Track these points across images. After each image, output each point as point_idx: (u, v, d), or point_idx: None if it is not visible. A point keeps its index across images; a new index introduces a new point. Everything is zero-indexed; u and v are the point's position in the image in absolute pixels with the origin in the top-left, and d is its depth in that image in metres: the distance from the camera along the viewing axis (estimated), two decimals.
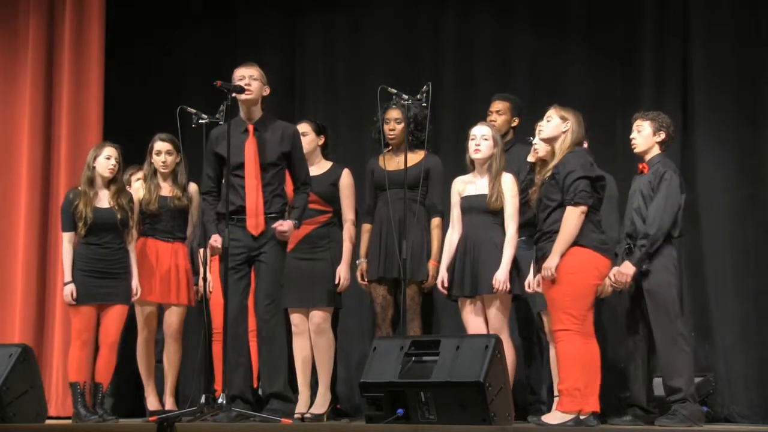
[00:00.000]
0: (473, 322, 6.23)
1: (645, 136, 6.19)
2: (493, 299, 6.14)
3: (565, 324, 5.44)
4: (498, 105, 6.81)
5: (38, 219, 7.83)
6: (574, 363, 5.41)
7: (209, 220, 6.00)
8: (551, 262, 5.46)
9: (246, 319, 5.99)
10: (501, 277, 6.08)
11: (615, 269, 6.02)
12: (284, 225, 5.90)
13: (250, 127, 6.00)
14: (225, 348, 5.87)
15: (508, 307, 6.22)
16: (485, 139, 6.23)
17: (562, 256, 5.44)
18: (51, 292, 7.77)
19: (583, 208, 5.45)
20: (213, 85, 5.92)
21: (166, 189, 6.88)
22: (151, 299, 6.80)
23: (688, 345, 6.07)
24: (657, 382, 6.24)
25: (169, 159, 6.86)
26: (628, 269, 5.98)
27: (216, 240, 5.92)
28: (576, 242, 5.46)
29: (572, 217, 5.45)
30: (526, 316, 6.68)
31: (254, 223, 5.90)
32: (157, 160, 6.87)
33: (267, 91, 6.08)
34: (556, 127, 5.64)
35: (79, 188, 6.55)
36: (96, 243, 6.50)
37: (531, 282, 6.10)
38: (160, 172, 6.89)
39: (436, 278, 6.46)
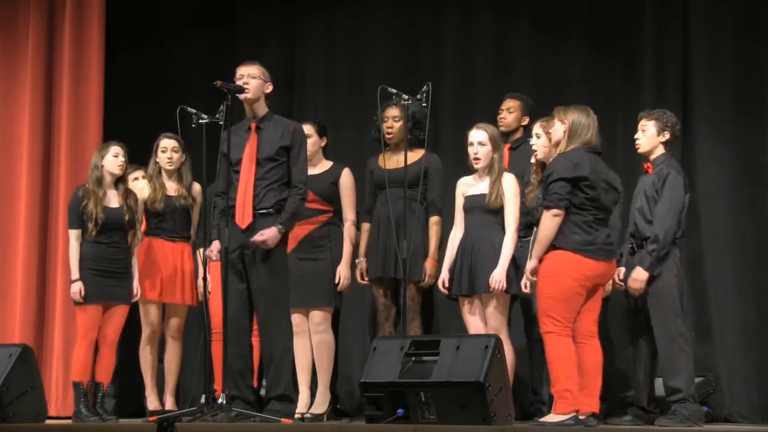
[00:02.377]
0: (472, 321, 6.23)
1: (649, 136, 6.17)
2: (491, 299, 6.14)
3: (547, 326, 5.43)
4: (509, 103, 6.84)
5: (38, 219, 7.83)
6: (561, 365, 5.40)
7: (214, 225, 6.02)
8: (528, 266, 5.54)
9: (246, 319, 5.98)
10: (497, 276, 6.07)
11: (620, 272, 6.02)
12: (264, 234, 5.84)
13: (253, 125, 6.01)
14: (225, 348, 5.87)
15: (506, 306, 6.21)
16: (482, 145, 6.21)
17: (541, 259, 5.46)
18: (51, 292, 7.77)
19: (555, 211, 5.43)
20: (213, 85, 5.93)
21: (172, 188, 6.89)
22: (155, 298, 6.81)
23: (688, 345, 6.07)
24: (657, 382, 6.24)
25: (175, 156, 6.87)
26: (641, 275, 5.96)
27: (211, 250, 5.94)
28: (554, 245, 5.45)
29: (545, 221, 5.45)
30: (527, 316, 6.68)
31: (241, 216, 5.90)
32: (163, 158, 6.88)
33: (269, 89, 6.09)
34: (557, 131, 5.64)
35: (87, 186, 6.55)
36: (104, 242, 6.51)
37: (528, 282, 6.11)
38: (165, 171, 6.90)
39: (433, 277, 6.47)
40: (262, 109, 6.07)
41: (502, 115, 6.78)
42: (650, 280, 6.00)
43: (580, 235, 5.46)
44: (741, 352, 7.00)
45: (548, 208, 5.45)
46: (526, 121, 6.83)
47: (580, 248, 5.45)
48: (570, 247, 5.44)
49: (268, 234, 5.85)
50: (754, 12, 7.17)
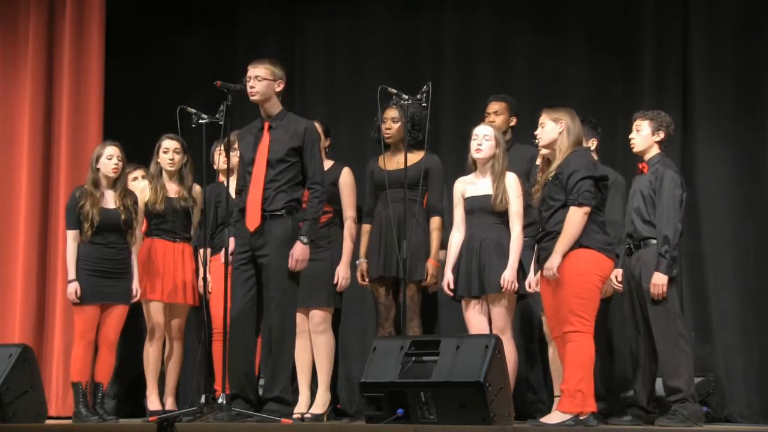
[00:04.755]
0: (477, 322, 6.21)
1: (644, 135, 6.20)
2: (499, 299, 6.13)
3: (576, 326, 5.42)
4: (495, 106, 6.81)
5: (38, 219, 7.83)
6: (581, 365, 5.40)
7: (231, 222, 6.03)
8: (553, 262, 5.44)
9: (250, 320, 5.97)
10: (509, 277, 6.07)
11: (618, 273, 6.04)
12: (295, 255, 5.82)
13: (266, 125, 6.01)
14: (225, 348, 5.86)
15: (512, 307, 6.21)
16: (487, 139, 6.23)
17: (564, 256, 5.44)
18: (51, 292, 7.77)
19: (587, 209, 5.44)
20: (213, 85, 5.92)
21: (172, 190, 6.89)
22: (158, 299, 6.81)
23: (688, 345, 6.07)
24: (657, 382, 6.24)
25: (177, 158, 6.88)
26: (660, 280, 5.95)
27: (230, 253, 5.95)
28: (580, 243, 5.44)
29: (576, 218, 5.44)
30: (529, 316, 6.68)
31: (250, 218, 5.89)
32: (164, 158, 6.88)
33: (281, 86, 6.06)
34: (550, 130, 5.65)
35: (85, 187, 6.55)
36: (101, 243, 6.51)
37: (532, 282, 6.10)
38: (166, 172, 6.90)
39: (435, 277, 6.47)
40: (275, 107, 6.05)
41: (490, 119, 6.72)
42: (646, 279, 6.01)
43: (601, 234, 5.51)
44: (741, 352, 7.00)
45: (580, 205, 5.44)
46: (513, 121, 6.81)
47: (603, 248, 5.49)
48: (595, 246, 5.46)
49: (297, 254, 5.83)
50: (754, 12, 7.17)
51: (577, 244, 5.44)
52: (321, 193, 5.97)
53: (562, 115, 5.63)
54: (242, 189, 6.00)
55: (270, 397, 5.88)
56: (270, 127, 5.99)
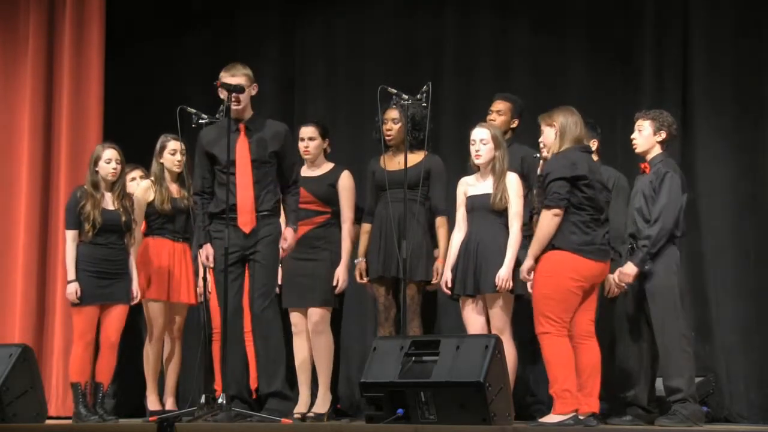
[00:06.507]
0: (475, 321, 6.22)
1: (645, 136, 6.19)
2: (496, 298, 6.14)
3: (544, 327, 5.45)
4: (499, 105, 6.78)
5: (38, 219, 7.83)
6: (559, 365, 5.42)
7: (200, 225, 6.02)
8: (524, 265, 5.56)
9: (241, 320, 5.98)
10: (504, 275, 6.07)
11: (618, 270, 6.04)
12: (288, 239, 6.01)
13: (242, 126, 6.00)
14: (224, 348, 5.87)
15: (510, 306, 6.21)
16: (484, 143, 6.22)
17: (538, 258, 5.47)
18: (51, 292, 7.77)
19: (556, 211, 5.45)
20: (213, 85, 5.93)
21: (174, 190, 6.89)
22: (163, 298, 6.80)
23: (689, 345, 6.07)
24: (657, 382, 6.24)
25: (183, 159, 6.88)
26: (630, 270, 5.98)
27: (206, 258, 5.93)
28: (552, 245, 5.46)
29: (544, 220, 5.47)
30: (529, 316, 6.67)
31: (245, 220, 5.90)
32: (172, 160, 6.86)
33: (255, 90, 6.07)
34: (548, 135, 5.67)
35: (86, 188, 6.55)
36: (101, 243, 6.50)
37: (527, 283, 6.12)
38: (170, 172, 6.88)
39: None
40: (248, 110, 6.06)
41: (491, 117, 6.69)
42: (647, 278, 6.01)
43: (578, 235, 5.48)
44: (741, 352, 7.00)
45: (548, 207, 5.46)
46: (515, 123, 6.76)
47: (578, 248, 5.46)
48: (568, 247, 5.45)
49: (291, 238, 6.03)
50: (754, 12, 7.17)
51: (550, 245, 5.47)
52: (298, 193, 6.16)
53: (554, 117, 5.64)
54: (206, 190, 6.00)
55: (269, 392, 5.89)
56: (247, 129, 5.99)
